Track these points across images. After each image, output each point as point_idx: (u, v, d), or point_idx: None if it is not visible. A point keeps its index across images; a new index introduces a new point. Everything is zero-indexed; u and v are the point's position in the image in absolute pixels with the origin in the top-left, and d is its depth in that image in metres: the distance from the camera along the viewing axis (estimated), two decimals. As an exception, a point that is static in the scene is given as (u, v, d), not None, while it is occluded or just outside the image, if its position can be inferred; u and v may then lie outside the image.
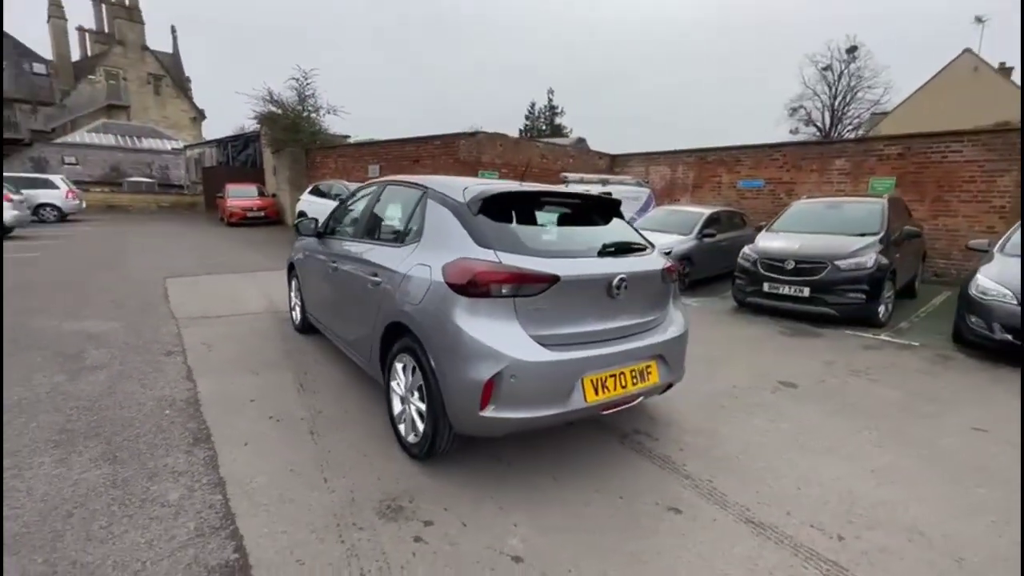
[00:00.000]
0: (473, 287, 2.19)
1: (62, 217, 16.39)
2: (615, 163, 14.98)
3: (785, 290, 6.31)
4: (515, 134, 36.39)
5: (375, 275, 2.86)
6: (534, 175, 12.70)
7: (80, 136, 27.92)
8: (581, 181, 11.14)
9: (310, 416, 3.02)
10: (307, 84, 17.74)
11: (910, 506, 2.33)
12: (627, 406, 2.54)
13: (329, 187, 12.10)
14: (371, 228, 3.33)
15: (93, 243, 11.17)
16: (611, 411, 2.50)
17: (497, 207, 2.55)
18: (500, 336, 2.18)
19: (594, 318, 2.45)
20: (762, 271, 6.57)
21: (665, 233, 8.81)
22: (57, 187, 16.41)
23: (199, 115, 36.71)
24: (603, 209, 3.07)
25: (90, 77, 31.62)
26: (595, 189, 10.79)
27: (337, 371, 3.75)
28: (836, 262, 6.01)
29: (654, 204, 11.96)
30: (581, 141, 18.91)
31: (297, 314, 4.64)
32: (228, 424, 2.87)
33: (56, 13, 31.82)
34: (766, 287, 6.50)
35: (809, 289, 6.11)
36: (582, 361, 2.31)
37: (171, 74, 35.27)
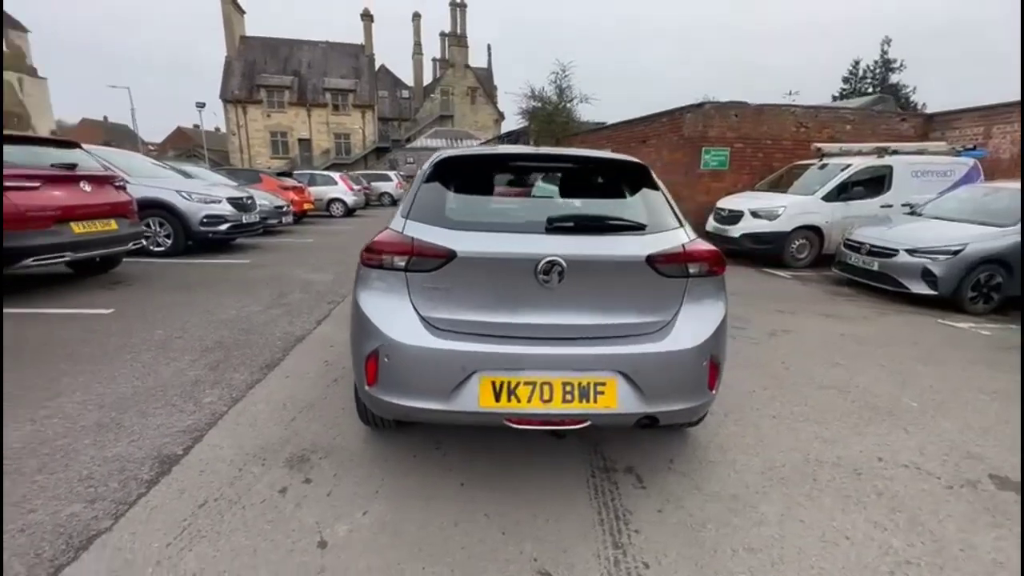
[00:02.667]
0: (369, 255, 2.07)
1: (393, 202, 22.34)
2: (931, 125, 10.70)
3: None
4: (827, 100, 29.40)
5: None
6: (786, 149, 10.38)
7: (420, 141, 37.15)
8: (841, 153, 8.52)
9: (351, 368, 3.42)
10: (564, 76, 18.93)
11: None
12: (562, 428, 1.95)
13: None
14: None
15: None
16: (531, 427, 1.97)
17: (451, 173, 2.30)
18: (385, 312, 2.01)
19: (516, 307, 1.96)
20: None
21: (968, 223, 5.94)
22: (391, 180, 22.43)
23: (500, 117, 43.65)
24: (624, 175, 2.37)
25: (431, 95, 41.54)
26: (859, 161, 8.08)
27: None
28: None
29: (981, 179, 8.16)
30: (882, 100, 14.13)
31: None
32: (297, 360, 3.53)
33: (417, 51, 42.83)
34: None
35: None
36: (475, 356, 1.90)
37: (484, 86, 42.96)
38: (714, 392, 2.10)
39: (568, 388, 1.92)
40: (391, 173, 23.25)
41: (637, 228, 2.10)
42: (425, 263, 1.97)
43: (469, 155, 2.35)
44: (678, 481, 2.21)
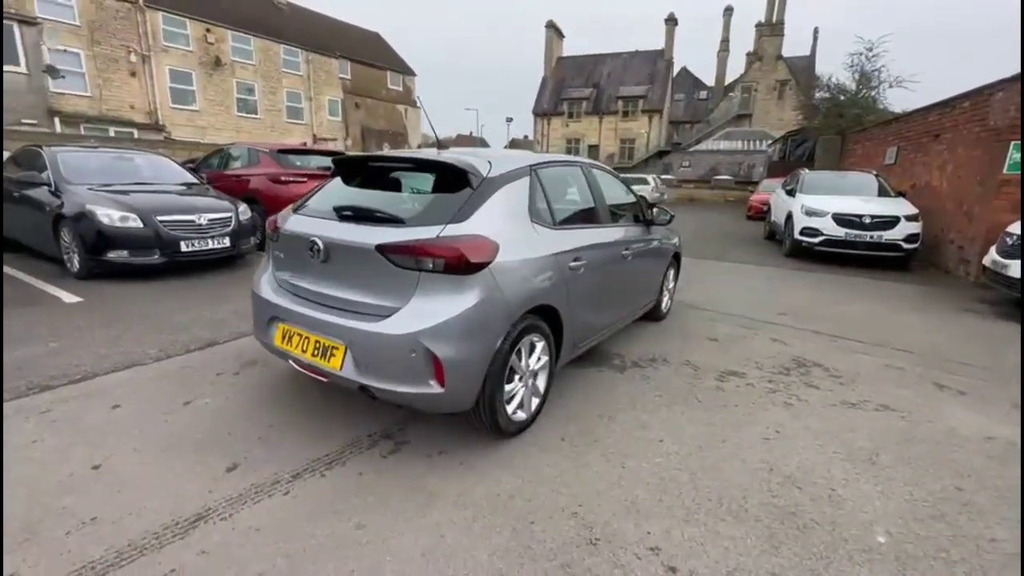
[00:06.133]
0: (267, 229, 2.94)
1: (648, 205, 22.38)
2: None
3: None
4: None
5: None
6: None
7: (708, 144, 35.12)
8: None
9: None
10: (872, 58, 15.01)
11: None
12: (322, 379, 2.42)
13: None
14: None
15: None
16: (302, 371, 2.49)
17: (342, 171, 2.94)
18: (260, 269, 2.87)
19: (308, 276, 2.52)
20: None
21: None
22: (648, 184, 22.42)
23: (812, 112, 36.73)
24: (449, 175, 2.51)
25: (730, 94, 38.41)
26: None
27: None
28: None
29: None
30: None
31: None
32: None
33: (723, 47, 40.23)
34: None
35: None
36: (273, 307, 2.56)
37: (798, 77, 36.93)
38: (443, 388, 2.14)
39: (317, 345, 2.38)
40: (649, 176, 23.21)
41: (395, 221, 2.31)
42: (275, 235, 2.73)
43: (347, 158, 2.94)
44: (415, 465, 2.31)
